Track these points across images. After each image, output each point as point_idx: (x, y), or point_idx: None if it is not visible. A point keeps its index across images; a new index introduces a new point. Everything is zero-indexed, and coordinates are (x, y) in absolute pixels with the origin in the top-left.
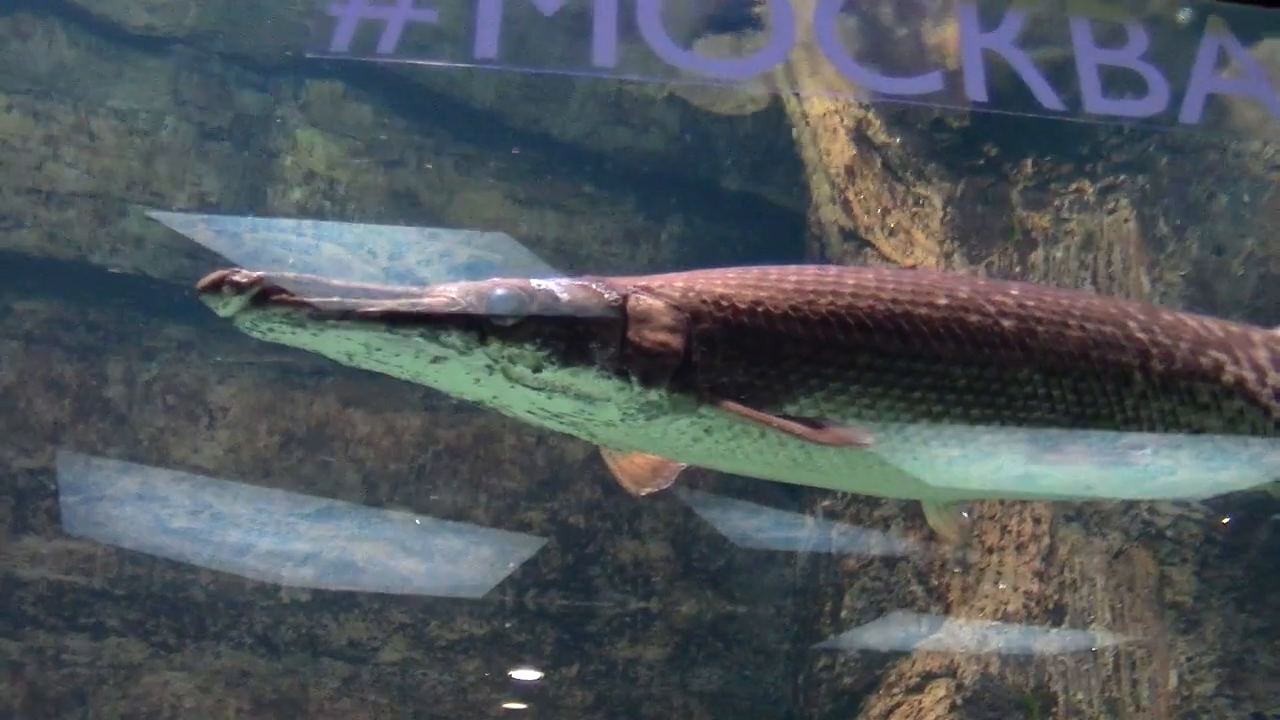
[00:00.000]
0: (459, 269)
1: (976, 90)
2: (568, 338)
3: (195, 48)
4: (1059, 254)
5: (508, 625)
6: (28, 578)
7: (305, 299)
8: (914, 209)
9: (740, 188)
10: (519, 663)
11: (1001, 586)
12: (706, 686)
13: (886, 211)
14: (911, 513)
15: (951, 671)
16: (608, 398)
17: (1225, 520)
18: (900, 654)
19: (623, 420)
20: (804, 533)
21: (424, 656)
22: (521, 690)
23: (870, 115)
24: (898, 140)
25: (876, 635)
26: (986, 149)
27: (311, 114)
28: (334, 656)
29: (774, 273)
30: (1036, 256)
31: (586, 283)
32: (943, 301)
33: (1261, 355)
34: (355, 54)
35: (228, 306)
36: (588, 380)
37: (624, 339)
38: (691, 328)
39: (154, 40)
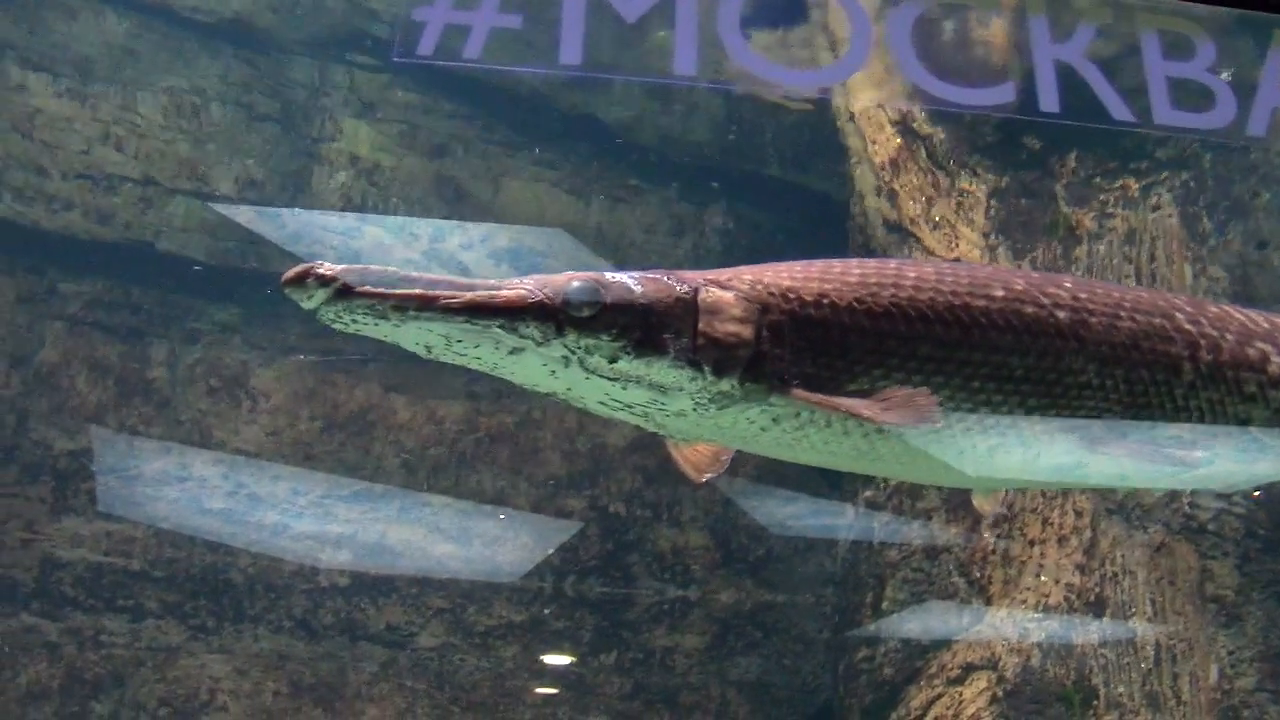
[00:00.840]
0: (499, 253)
1: (1049, 101)
2: (642, 328)
3: (243, 32)
4: (1102, 249)
5: (546, 611)
6: (67, 559)
7: (389, 292)
8: (959, 201)
9: (783, 175)
10: (557, 649)
11: (1043, 579)
12: (745, 676)
13: (931, 203)
14: (954, 504)
15: (993, 664)
16: (680, 387)
17: (1256, 493)
18: (941, 645)
19: (694, 410)
20: (844, 522)
21: (462, 642)
22: (559, 676)
23: (915, 108)
24: (941, 132)
25: (917, 626)
26: (1030, 143)
27: (358, 100)
28: (372, 641)
29: (838, 266)
30: (1080, 251)
31: (658, 276)
32: (999, 293)
33: None
34: (440, 59)
35: (312, 299)
36: (661, 370)
37: (696, 330)
38: (761, 319)
39: (201, 24)
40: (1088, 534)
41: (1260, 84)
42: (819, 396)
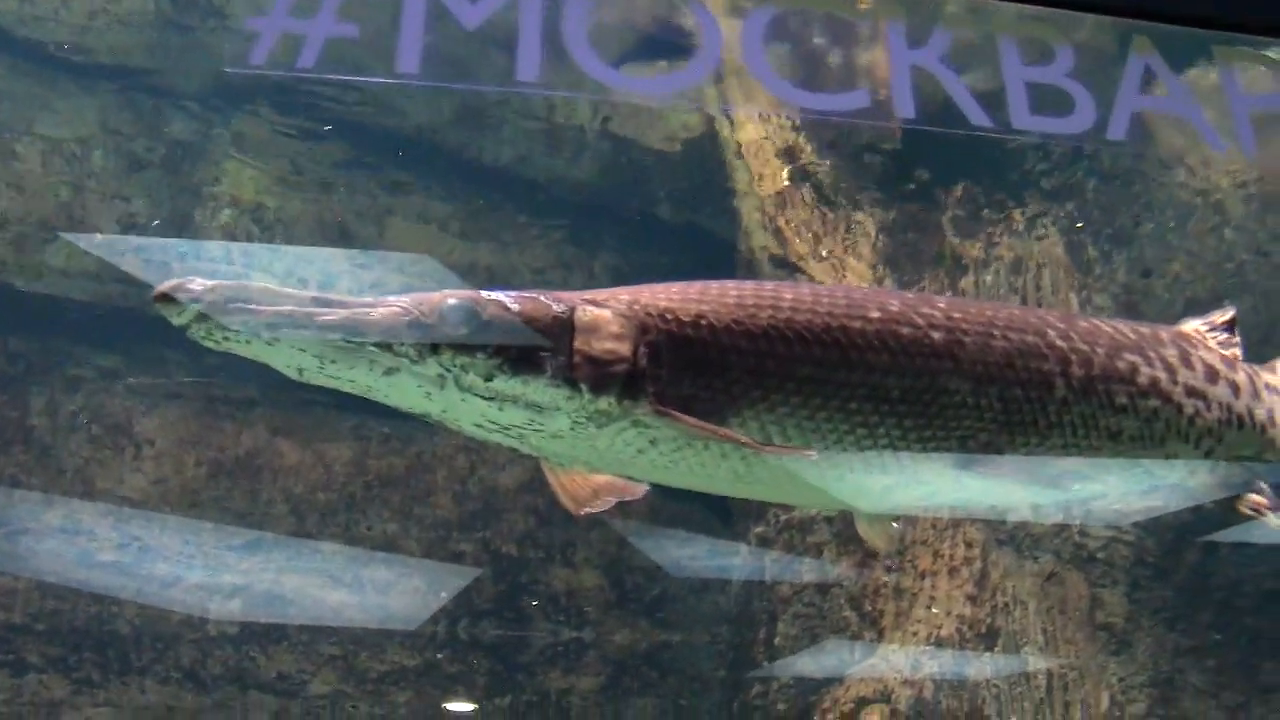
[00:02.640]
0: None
1: (905, 107)
2: (519, 347)
3: (124, 75)
4: (989, 279)
5: (439, 656)
6: None
7: (261, 308)
8: (846, 236)
9: (673, 217)
10: (451, 694)
11: (934, 611)
12: (641, 716)
13: (818, 238)
14: (844, 538)
15: (886, 697)
16: (557, 406)
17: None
18: (834, 680)
19: (572, 430)
20: (737, 560)
21: (354, 689)
22: None
23: (801, 140)
24: (829, 165)
25: (810, 662)
26: (918, 174)
27: (241, 142)
28: (263, 690)
29: (715, 287)
30: (967, 282)
31: (535, 295)
32: (875, 315)
33: (1172, 354)
34: (274, 69)
35: (183, 315)
36: (538, 389)
37: (573, 348)
38: (639, 338)
39: (81, 66)
40: (978, 565)
41: (1120, 88)
42: (696, 421)
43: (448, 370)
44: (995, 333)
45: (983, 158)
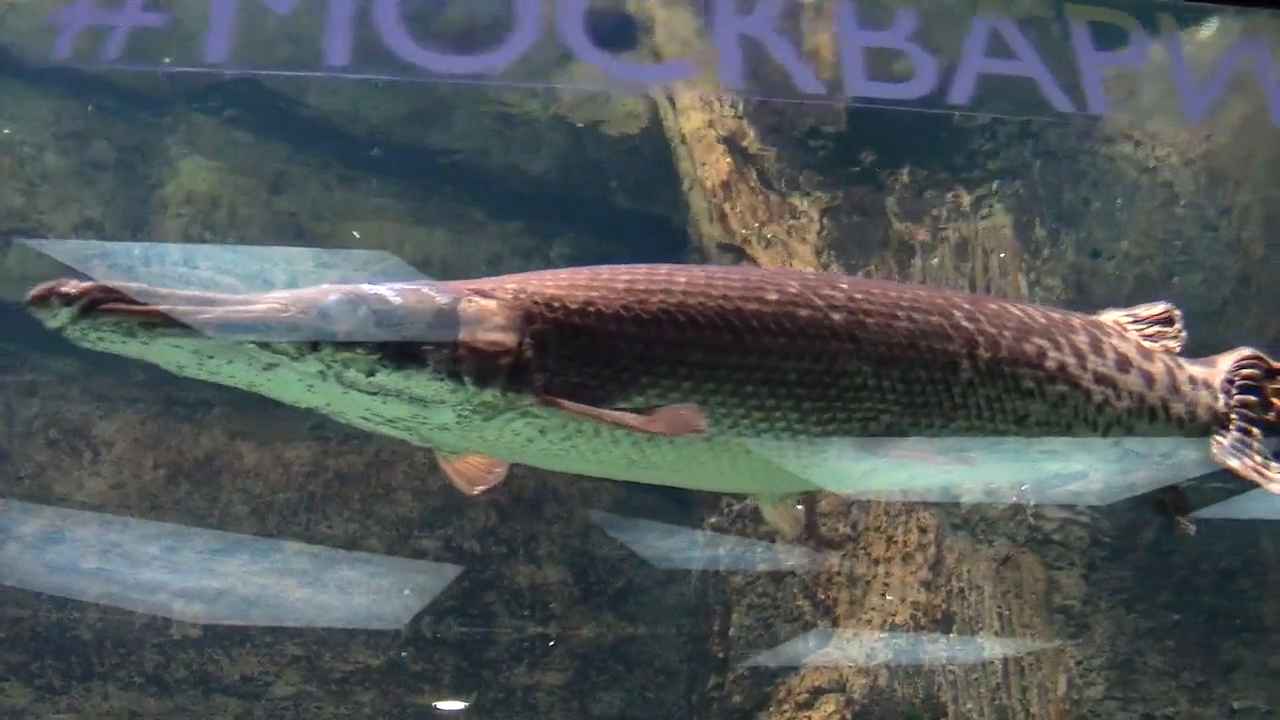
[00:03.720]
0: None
1: (732, 75)
2: (400, 341)
3: (75, 76)
4: (936, 261)
5: (403, 654)
6: None
7: (134, 308)
8: (790, 221)
9: (629, 206)
10: (416, 692)
11: (889, 598)
12: (608, 711)
13: (763, 224)
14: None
15: (840, 686)
16: (442, 400)
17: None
18: (789, 670)
19: (458, 423)
20: (696, 551)
21: (318, 689)
22: None
23: (745, 126)
24: (773, 152)
25: (764, 652)
26: (863, 157)
27: (194, 141)
28: (226, 693)
29: (605, 272)
30: (914, 265)
31: (418, 286)
32: (772, 297)
33: (1082, 340)
34: (78, 62)
35: (57, 318)
36: (422, 383)
37: (457, 340)
38: (524, 328)
39: (30, 68)
40: (933, 550)
41: (964, 52)
42: (583, 407)
43: (328, 366)
44: (899, 314)
45: (927, 139)
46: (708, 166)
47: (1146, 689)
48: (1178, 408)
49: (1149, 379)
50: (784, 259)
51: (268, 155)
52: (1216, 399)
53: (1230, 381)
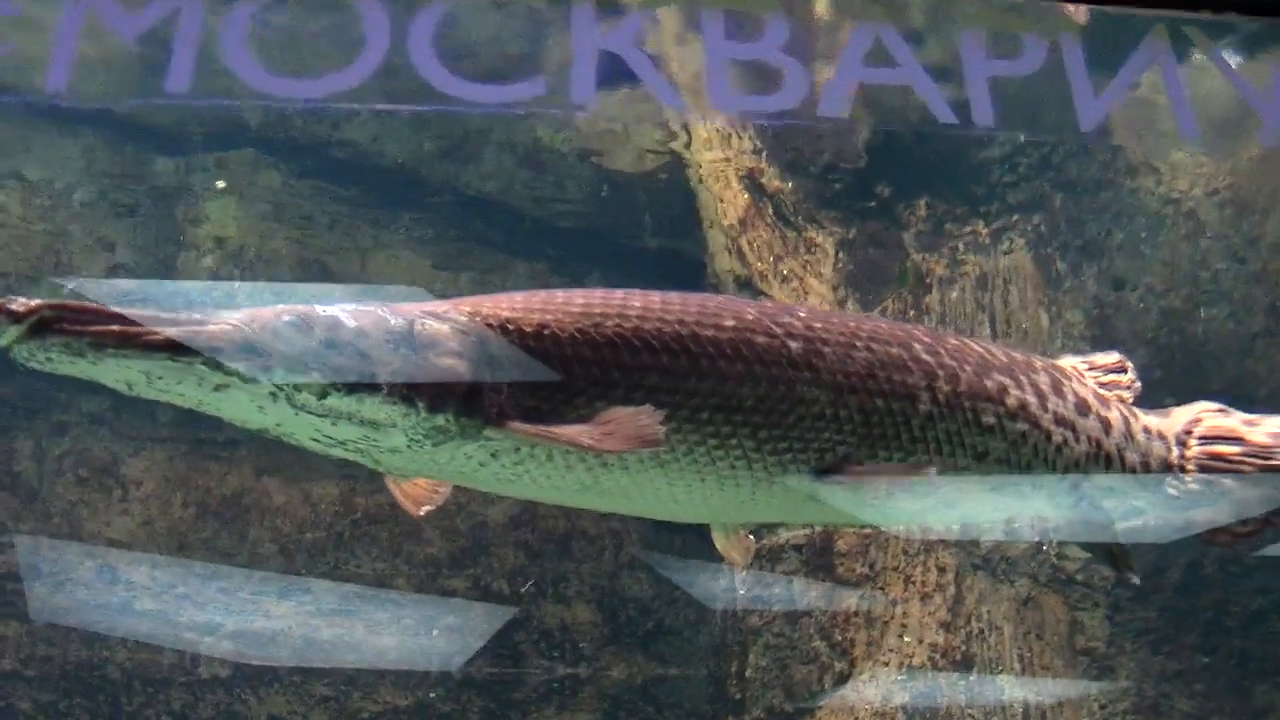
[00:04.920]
0: None
1: (584, 93)
2: (353, 363)
3: (106, 117)
4: (954, 295)
5: (432, 695)
6: None
7: (83, 328)
8: (806, 256)
9: (660, 244)
10: None
11: (906, 639)
12: None
13: (779, 259)
14: (814, 565)
15: None
16: (394, 423)
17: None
18: (805, 712)
19: (409, 446)
20: (722, 591)
21: None
22: None
23: (763, 163)
24: (790, 186)
25: (780, 694)
26: (880, 191)
27: (223, 182)
28: None
29: (560, 295)
30: (932, 299)
31: (373, 309)
32: (729, 323)
33: (1044, 380)
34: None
35: (4, 336)
36: (374, 406)
37: (410, 362)
38: (478, 351)
39: (63, 110)
40: (952, 590)
41: (840, 62)
42: (535, 428)
43: (280, 388)
44: (857, 344)
45: (946, 172)
46: (725, 202)
47: None
48: (1132, 456)
49: (1106, 425)
50: (800, 294)
51: (294, 195)
52: (1170, 450)
53: (1188, 433)
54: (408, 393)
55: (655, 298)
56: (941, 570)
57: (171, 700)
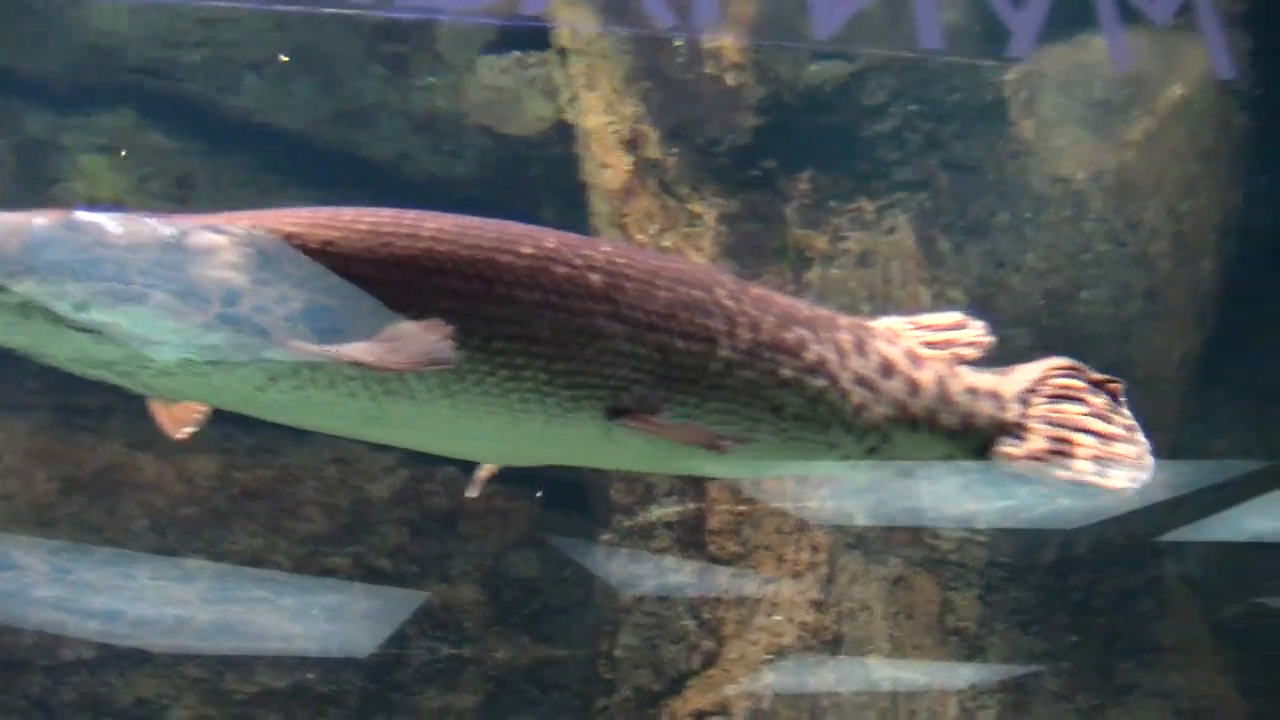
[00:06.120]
0: None
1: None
2: (118, 274)
3: None
4: (835, 272)
5: (310, 676)
6: None
7: None
8: (687, 228)
9: (557, 214)
10: (323, 715)
11: (776, 618)
12: None
13: (661, 231)
14: (685, 543)
15: (724, 709)
16: (164, 340)
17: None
18: (672, 693)
19: (180, 367)
20: (600, 568)
21: (219, 713)
22: None
23: (648, 129)
24: (674, 155)
25: (649, 674)
26: (765, 163)
27: (101, 141)
28: (119, 718)
29: (349, 213)
30: (813, 275)
31: (141, 216)
32: (527, 250)
33: (846, 338)
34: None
35: None
36: (142, 320)
37: (183, 276)
38: (257, 265)
39: None
40: (824, 569)
41: None
42: (314, 347)
43: (31, 298)
44: (659, 283)
45: (832, 147)
46: (607, 170)
47: (1040, 712)
48: (947, 418)
49: (914, 387)
50: None
51: (178, 157)
52: (1004, 409)
53: (1031, 391)
54: (179, 305)
55: (450, 220)
56: (815, 549)
57: (30, 685)
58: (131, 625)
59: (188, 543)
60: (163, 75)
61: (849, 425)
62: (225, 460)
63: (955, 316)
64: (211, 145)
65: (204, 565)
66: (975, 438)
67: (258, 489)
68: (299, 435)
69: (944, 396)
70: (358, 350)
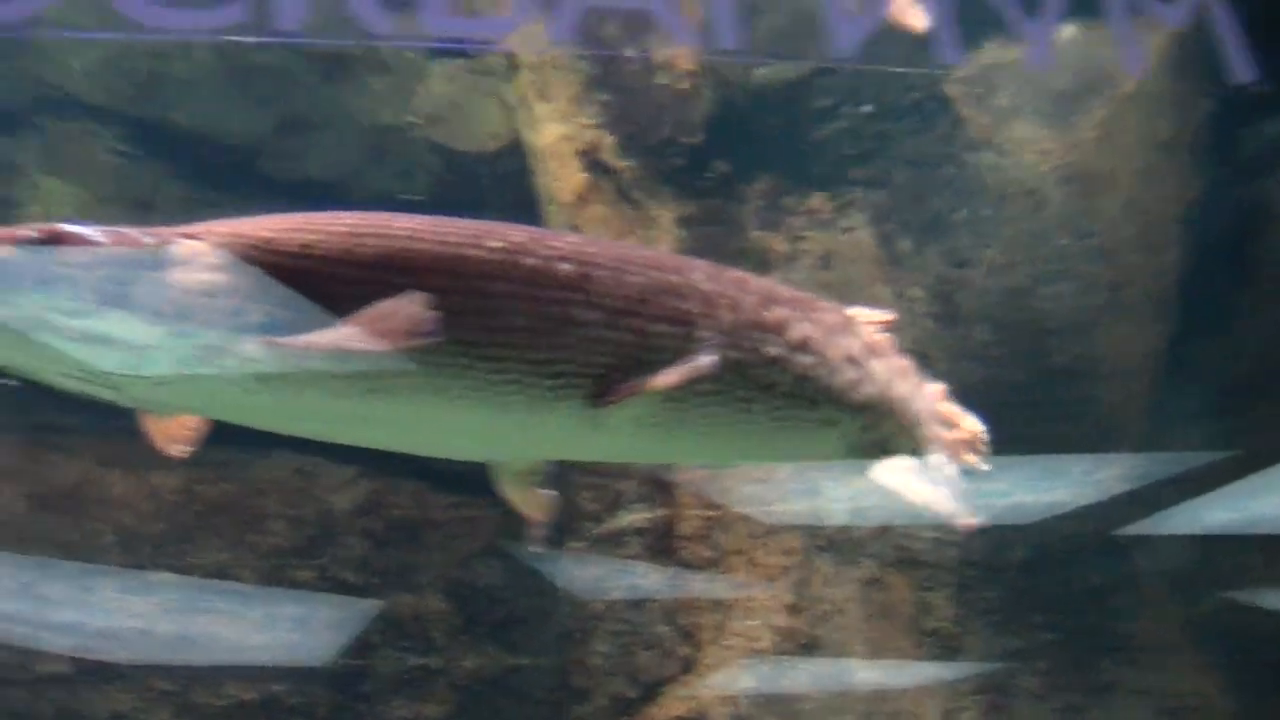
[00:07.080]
0: None
1: (291, 18)
2: (108, 283)
3: None
4: (796, 275)
5: (278, 688)
6: None
7: None
8: (644, 233)
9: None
10: None
11: (751, 623)
12: None
13: (619, 236)
14: (657, 550)
15: (702, 715)
16: (158, 346)
17: None
18: (649, 700)
19: (172, 374)
20: (566, 576)
21: None
22: None
23: (604, 137)
24: (630, 163)
25: (624, 681)
26: (718, 165)
27: (55, 158)
28: None
29: (323, 217)
30: (774, 278)
31: (122, 229)
32: (496, 244)
33: (830, 318)
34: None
35: None
36: (134, 328)
37: (168, 283)
38: (238, 269)
39: None
40: (797, 573)
41: None
42: (301, 339)
43: (27, 312)
44: (631, 269)
45: (787, 148)
46: (562, 182)
47: (1019, 711)
48: (906, 407)
49: (897, 371)
50: None
51: (131, 173)
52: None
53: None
54: (166, 312)
55: (421, 219)
56: (787, 553)
57: (10, 699)
58: (101, 639)
59: (155, 558)
60: (111, 87)
61: (839, 402)
62: (190, 475)
63: (889, 315)
64: (160, 162)
65: (171, 579)
66: (917, 430)
67: (222, 503)
68: (263, 449)
69: (916, 386)
70: (340, 336)
